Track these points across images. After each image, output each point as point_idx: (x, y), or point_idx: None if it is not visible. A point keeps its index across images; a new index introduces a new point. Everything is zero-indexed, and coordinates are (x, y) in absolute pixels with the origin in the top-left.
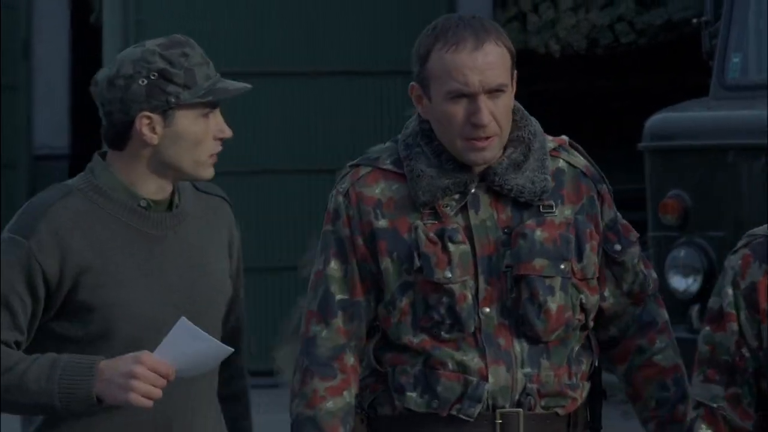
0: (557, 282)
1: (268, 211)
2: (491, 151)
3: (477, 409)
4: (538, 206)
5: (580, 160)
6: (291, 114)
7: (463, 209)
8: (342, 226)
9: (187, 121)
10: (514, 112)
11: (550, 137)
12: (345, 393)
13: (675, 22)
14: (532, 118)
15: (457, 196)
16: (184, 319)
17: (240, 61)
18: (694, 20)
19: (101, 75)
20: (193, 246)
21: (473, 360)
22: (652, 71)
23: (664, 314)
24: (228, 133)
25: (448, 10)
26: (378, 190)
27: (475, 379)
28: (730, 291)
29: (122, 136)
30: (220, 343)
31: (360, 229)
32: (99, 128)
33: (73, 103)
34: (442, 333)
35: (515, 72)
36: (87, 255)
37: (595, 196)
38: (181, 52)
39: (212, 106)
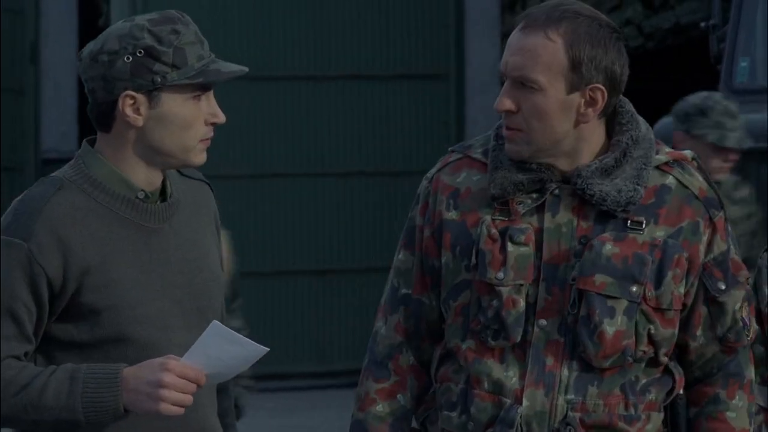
0: (621, 305)
1: (276, 214)
2: (516, 145)
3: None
4: (626, 220)
5: (695, 181)
6: (299, 118)
7: (540, 210)
8: (418, 214)
9: (174, 103)
10: (622, 114)
11: (668, 150)
12: (399, 396)
13: (683, 26)
14: (644, 124)
15: (534, 195)
16: (216, 322)
17: (248, 64)
18: (702, 24)
19: (86, 49)
20: (188, 238)
21: (511, 380)
22: (660, 75)
23: (752, 372)
24: (221, 118)
25: (456, 14)
26: (459, 179)
27: (509, 401)
28: (766, 290)
29: (106, 116)
30: (256, 344)
31: (431, 219)
32: None
33: (81, 107)
34: (489, 339)
35: (587, 83)
36: (88, 254)
37: (703, 223)
38: (172, 29)
39: (204, 88)
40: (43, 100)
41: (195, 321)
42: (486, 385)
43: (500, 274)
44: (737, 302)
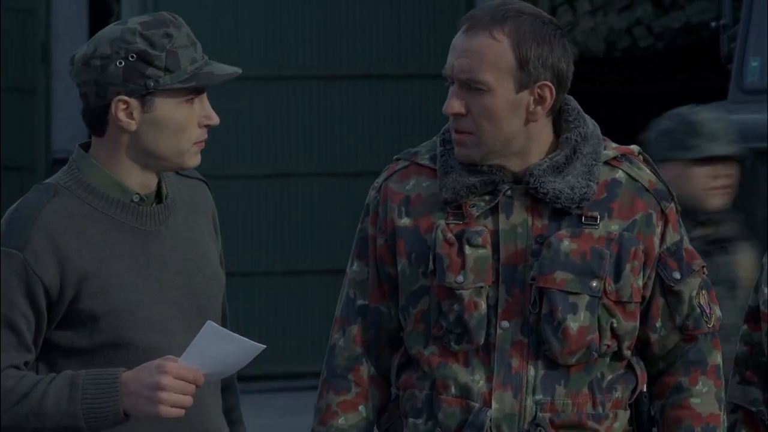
0: (583, 300)
1: (286, 214)
2: (466, 149)
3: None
4: (580, 216)
5: (645, 174)
6: (310, 117)
7: (494, 211)
8: (369, 224)
9: (167, 107)
10: (568, 112)
11: (614, 145)
12: (361, 408)
13: (693, 26)
14: (590, 121)
15: (487, 197)
16: (210, 322)
17: (259, 64)
18: (713, 24)
19: (78, 53)
20: (185, 238)
21: (478, 383)
22: (670, 75)
23: (717, 358)
24: (215, 120)
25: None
26: (409, 186)
27: (477, 405)
28: (766, 290)
29: (99, 120)
30: (252, 342)
31: (383, 228)
32: None
33: None
34: (452, 344)
35: (535, 81)
36: (85, 260)
37: (656, 215)
38: (164, 33)
39: (197, 91)
40: (53, 100)
41: (195, 321)
42: (453, 389)
43: (460, 278)
44: (693, 290)
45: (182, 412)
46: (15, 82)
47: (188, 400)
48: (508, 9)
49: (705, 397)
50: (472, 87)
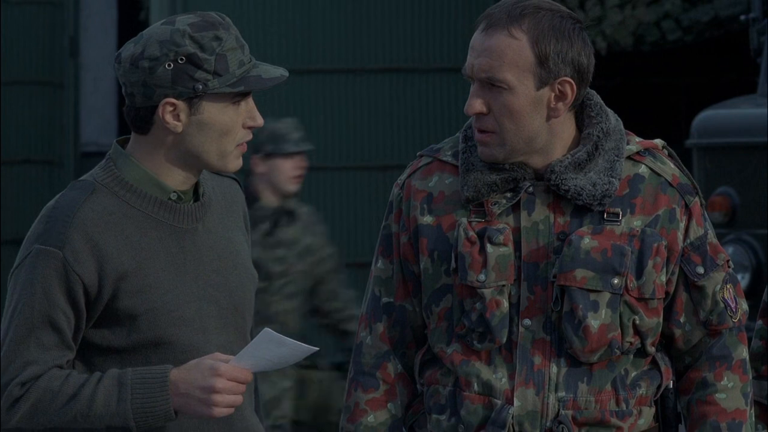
0: (604, 297)
1: (315, 207)
2: (490, 148)
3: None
4: (602, 213)
5: (668, 169)
6: (337, 111)
7: (516, 209)
8: (393, 221)
9: (215, 109)
10: (591, 107)
11: (638, 139)
12: (389, 405)
13: (722, 19)
14: (613, 116)
15: (509, 194)
16: (267, 329)
17: (287, 59)
18: (742, 17)
19: (126, 52)
20: (221, 236)
21: (501, 380)
22: (699, 68)
23: (743, 352)
24: (260, 121)
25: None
26: (432, 183)
27: (499, 402)
28: None
29: (145, 120)
30: (306, 345)
31: (406, 225)
32: None
33: (120, 101)
34: (475, 342)
35: (555, 77)
36: (123, 259)
37: (679, 210)
38: (214, 36)
39: (244, 93)
40: (82, 94)
41: (231, 320)
42: (476, 386)
43: (482, 276)
44: (717, 284)
45: (232, 410)
46: (44, 76)
47: (239, 399)
48: (526, 5)
49: (730, 392)
50: (493, 86)
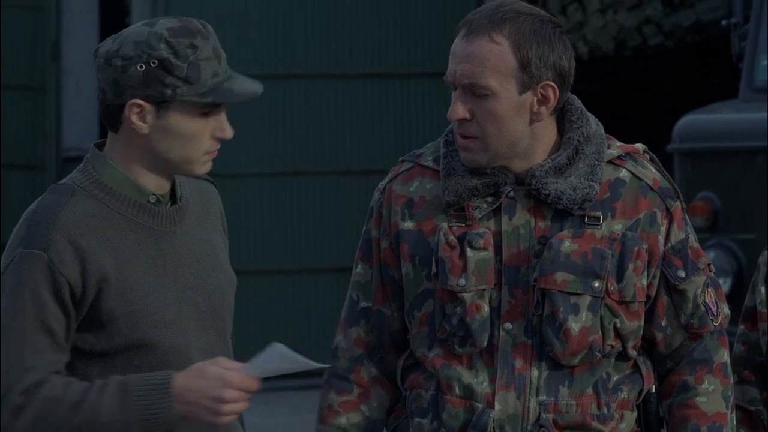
0: (585, 301)
1: (296, 212)
2: (474, 154)
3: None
4: (583, 216)
5: (649, 173)
6: (318, 116)
7: (497, 213)
8: (373, 226)
9: (181, 117)
10: (571, 112)
11: (619, 144)
12: (362, 407)
13: (703, 24)
14: (594, 121)
15: (489, 199)
16: (277, 344)
17: (268, 63)
18: (723, 22)
19: (103, 48)
20: (199, 239)
21: (482, 384)
22: (681, 73)
23: (724, 356)
24: (229, 134)
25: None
26: (412, 188)
27: (480, 406)
28: (763, 289)
29: (114, 117)
30: (316, 363)
31: (387, 230)
32: None
33: None
34: (456, 346)
35: (537, 82)
36: (105, 261)
37: (660, 214)
38: (190, 43)
39: (215, 105)
40: (64, 99)
41: (211, 322)
42: (457, 390)
43: (462, 281)
44: (698, 288)
45: (236, 417)
46: (25, 80)
47: (246, 407)
48: (506, 10)
49: (711, 396)
50: (476, 92)
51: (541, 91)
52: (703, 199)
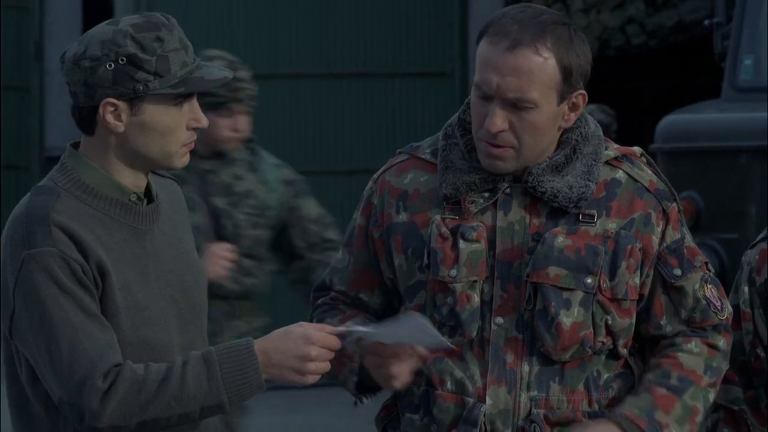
0: (577, 296)
1: None
2: (504, 162)
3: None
4: (578, 214)
5: (645, 175)
6: (303, 115)
7: (492, 208)
8: (360, 214)
9: (156, 110)
10: None
11: (615, 146)
12: (361, 314)
13: (686, 24)
14: (592, 122)
15: (486, 194)
16: (418, 315)
17: (253, 63)
18: (706, 21)
19: (69, 52)
20: (173, 237)
21: (473, 378)
22: (664, 73)
23: (721, 342)
24: (204, 123)
25: (460, 12)
26: (407, 180)
27: (471, 401)
28: (746, 288)
29: (88, 120)
30: (447, 342)
31: (379, 221)
32: None
33: None
34: (446, 337)
35: (574, 91)
36: (101, 256)
37: (656, 215)
38: (156, 36)
39: (187, 95)
40: (47, 99)
41: (190, 319)
42: (449, 385)
43: (453, 272)
44: (696, 283)
45: (319, 377)
46: (9, 80)
47: (328, 367)
48: (543, 20)
49: (694, 356)
50: (519, 105)
51: (574, 99)
52: (685, 199)
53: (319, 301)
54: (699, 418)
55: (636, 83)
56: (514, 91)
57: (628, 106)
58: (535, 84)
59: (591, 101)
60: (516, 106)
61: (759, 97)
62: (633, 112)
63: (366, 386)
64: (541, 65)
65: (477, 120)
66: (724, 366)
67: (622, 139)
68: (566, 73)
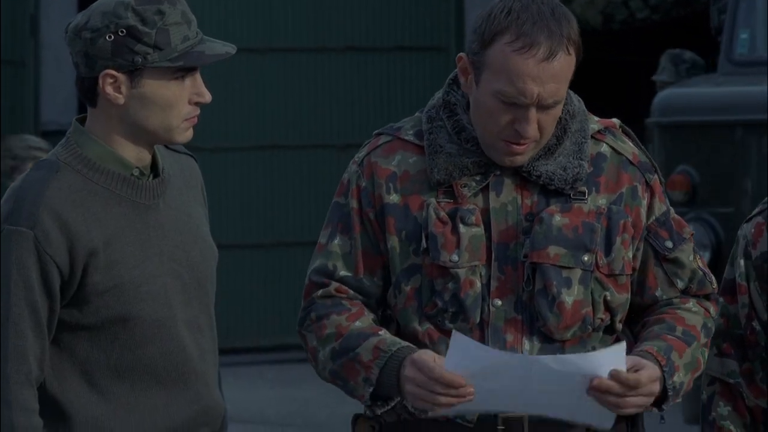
0: (576, 274)
1: (275, 186)
2: (525, 156)
3: (476, 414)
4: (569, 192)
5: (628, 147)
6: (297, 90)
7: (484, 191)
8: (351, 198)
9: (156, 84)
10: None
11: (596, 118)
12: (366, 313)
13: None
14: (575, 97)
15: (478, 177)
16: (461, 336)
17: (248, 38)
18: None
19: (73, 22)
20: (181, 212)
21: None
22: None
23: (714, 312)
24: (207, 97)
25: None
26: (395, 161)
27: None
28: (742, 262)
29: (90, 91)
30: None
31: (372, 202)
32: None
33: None
34: (446, 322)
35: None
36: (92, 235)
37: (641, 187)
38: (157, 9)
39: (188, 69)
40: (42, 73)
41: (195, 294)
42: None
43: (454, 257)
44: (689, 254)
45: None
46: (4, 54)
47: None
48: (557, 15)
49: (692, 314)
50: (552, 105)
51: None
52: (681, 173)
53: (320, 293)
54: (698, 374)
55: (642, 57)
56: (554, 96)
57: (633, 79)
58: (565, 82)
59: (597, 75)
60: (549, 106)
61: (755, 70)
62: (637, 86)
63: (378, 395)
64: (571, 63)
65: (498, 121)
66: (712, 332)
67: (624, 114)
68: (579, 58)
